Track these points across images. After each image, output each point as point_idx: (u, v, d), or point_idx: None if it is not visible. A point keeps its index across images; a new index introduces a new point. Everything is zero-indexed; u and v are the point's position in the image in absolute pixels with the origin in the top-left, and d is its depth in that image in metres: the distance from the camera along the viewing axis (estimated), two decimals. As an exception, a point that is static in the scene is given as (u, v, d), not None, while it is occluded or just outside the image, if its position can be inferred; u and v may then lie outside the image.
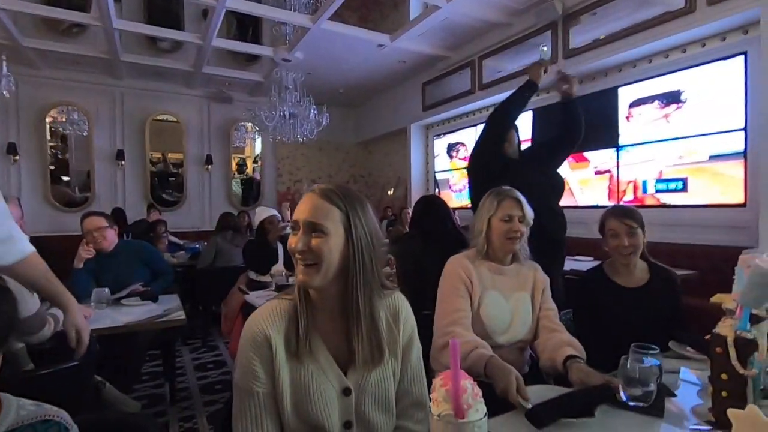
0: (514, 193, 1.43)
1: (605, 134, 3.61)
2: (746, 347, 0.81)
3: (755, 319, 0.87)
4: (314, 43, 4.41)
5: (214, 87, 5.98)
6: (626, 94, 3.54)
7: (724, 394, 0.82)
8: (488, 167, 2.07)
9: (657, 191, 3.34)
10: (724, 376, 0.83)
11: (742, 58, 2.85)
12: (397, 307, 0.89)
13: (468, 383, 0.53)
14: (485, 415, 0.53)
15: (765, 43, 2.56)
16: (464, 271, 1.36)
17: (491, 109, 4.91)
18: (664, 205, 3.28)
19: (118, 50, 4.60)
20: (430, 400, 0.56)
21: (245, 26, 5.47)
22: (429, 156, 5.90)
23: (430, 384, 0.89)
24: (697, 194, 3.11)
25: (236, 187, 6.63)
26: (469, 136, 5.22)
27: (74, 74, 5.28)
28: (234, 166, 6.60)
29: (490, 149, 2.12)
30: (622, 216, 1.47)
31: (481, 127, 5.22)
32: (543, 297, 1.44)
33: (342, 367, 0.82)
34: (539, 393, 0.99)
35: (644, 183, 3.42)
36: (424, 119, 5.59)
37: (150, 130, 5.92)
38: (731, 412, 0.58)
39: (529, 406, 0.92)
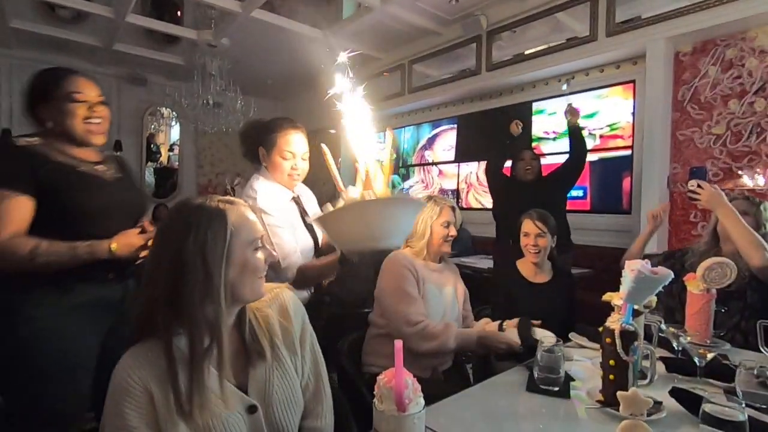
0: (451, 201, 1.60)
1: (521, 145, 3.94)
2: (629, 337, 0.97)
3: (636, 314, 1.05)
4: (243, 30, 4.22)
5: (126, 66, 5.44)
6: (540, 109, 3.90)
7: (611, 377, 0.98)
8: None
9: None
10: (611, 362, 0.98)
11: (631, 85, 3.29)
12: (284, 304, 0.89)
13: (409, 380, 0.58)
14: (423, 407, 0.59)
15: (649, 74, 3.00)
16: (410, 265, 1.48)
17: (419, 113, 5.12)
18: (568, 210, 3.68)
19: (6, 14, 4.00)
20: (374, 396, 0.60)
21: (161, 3, 5.04)
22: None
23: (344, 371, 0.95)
24: (595, 202, 3.54)
25: (149, 177, 6.12)
26: (397, 136, 5.35)
27: (-54, 37, 4.49)
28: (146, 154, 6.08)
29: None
30: (537, 219, 1.67)
31: (410, 129, 5.39)
32: (464, 296, 1.63)
33: (241, 386, 0.79)
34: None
35: (567, 196, 3.79)
36: (354, 117, 5.62)
37: (45, 108, 5.22)
38: (620, 395, 0.71)
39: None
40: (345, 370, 1.33)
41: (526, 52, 3.73)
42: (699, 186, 1.54)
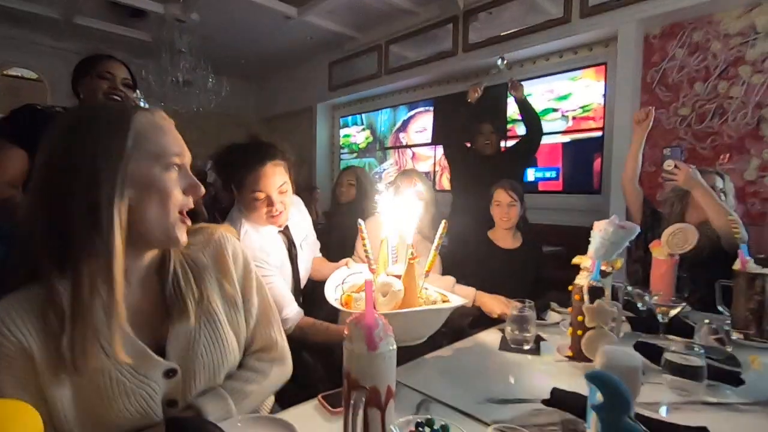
0: (413, 174, 1.62)
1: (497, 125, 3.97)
2: (596, 293, 1.00)
3: (603, 274, 1.08)
4: (213, 5, 4.07)
5: (88, 42, 5.15)
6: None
7: (579, 332, 1.01)
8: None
9: (536, 179, 3.80)
10: (579, 318, 1.01)
11: (603, 67, 3.35)
12: (221, 248, 0.75)
13: (380, 319, 0.58)
14: (394, 347, 0.58)
15: (620, 56, 3.06)
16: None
17: (396, 94, 5.07)
18: (541, 191, 3.75)
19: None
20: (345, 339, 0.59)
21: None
22: (335, 137, 5.89)
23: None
24: (567, 183, 3.62)
25: (116, 160, 5.87)
26: (375, 118, 5.31)
27: None
28: (113, 136, 5.83)
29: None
30: (509, 189, 1.72)
31: (386, 111, 5.35)
32: (438, 269, 1.65)
33: (158, 345, 0.66)
34: None
35: (525, 171, 3.86)
36: (330, 99, 5.55)
37: (-1, 86, 4.93)
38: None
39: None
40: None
41: (502, 34, 3.73)
42: (676, 167, 1.57)
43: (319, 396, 0.81)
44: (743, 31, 2.67)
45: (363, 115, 5.48)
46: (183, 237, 0.67)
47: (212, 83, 4.36)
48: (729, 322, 1.20)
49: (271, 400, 0.89)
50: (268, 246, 1.30)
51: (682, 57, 2.92)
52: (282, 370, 0.83)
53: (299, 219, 1.45)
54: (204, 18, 4.31)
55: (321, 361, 1.30)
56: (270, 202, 1.25)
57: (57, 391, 0.58)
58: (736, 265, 1.20)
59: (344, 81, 5.21)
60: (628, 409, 0.31)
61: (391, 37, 4.61)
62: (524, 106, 2.84)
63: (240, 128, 6.73)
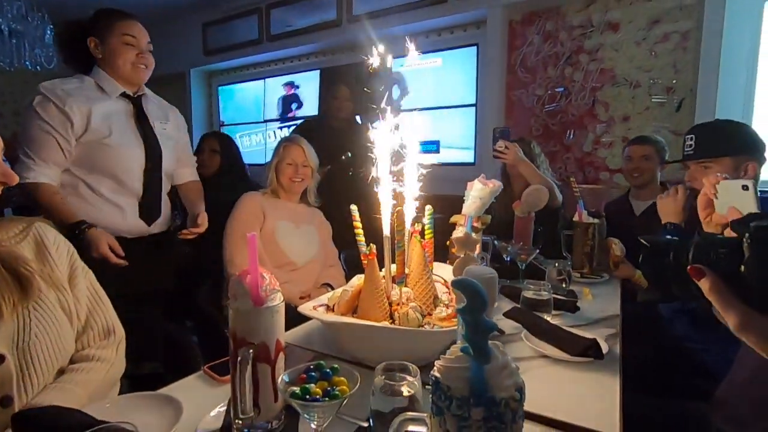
0: (299, 140, 1.59)
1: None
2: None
3: (475, 230, 1.21)
4: (46, -61, 3.35)
5: None
6: (399, 66, 4.04)
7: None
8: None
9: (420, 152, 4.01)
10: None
11: (475, 47, 3.63)
12: (39, 241, 0.78)
13: (266, 275, 0.57)
14: (282, 302, 0.58)
15: (489, 39, 3.35)
16: (257, 208, 1.45)
17: (280, 64, 4.84)
18: (422, 165, 3.98)
19: None
20: (228, 297, 0.57)
21: None
22: (213, 106, 5.42)
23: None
24: (445, 155, 3.90)
25: None
26: (258, 89, 5.02)
27: None
28: None
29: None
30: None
31: (270, 80, 5.08)
32: (326, 234, 1.68)
33: None
34: None
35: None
36: (206, 65, 5.06)
37: None
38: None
39: None
40: (203, 312, 1.25)
41: (385, 8, 3.78)
42: (506, 147, 1.77)
43: (204, 367, 0.78)
44: (582, 24, 3.13)
45: (246, 84, 5.12)
46: None
47: (50, 35, 3.63)
48: (570, 264, 1.45)
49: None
50: (80, 95, 1.28)
51: (538, 43, 3.31)
52: (122, 354, 0.84)
53: (165, 109, 1.59)
54: (34, -46, 3.53)
55: (205, 333, 1.24)
56: (141, 51, 1.37)
57: None
58: (575, 217, 1.45)
59: (221, 45, 4.79)
60: (485, 308, 0.36)
61: (272, 0, 4.34)
62: None
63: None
